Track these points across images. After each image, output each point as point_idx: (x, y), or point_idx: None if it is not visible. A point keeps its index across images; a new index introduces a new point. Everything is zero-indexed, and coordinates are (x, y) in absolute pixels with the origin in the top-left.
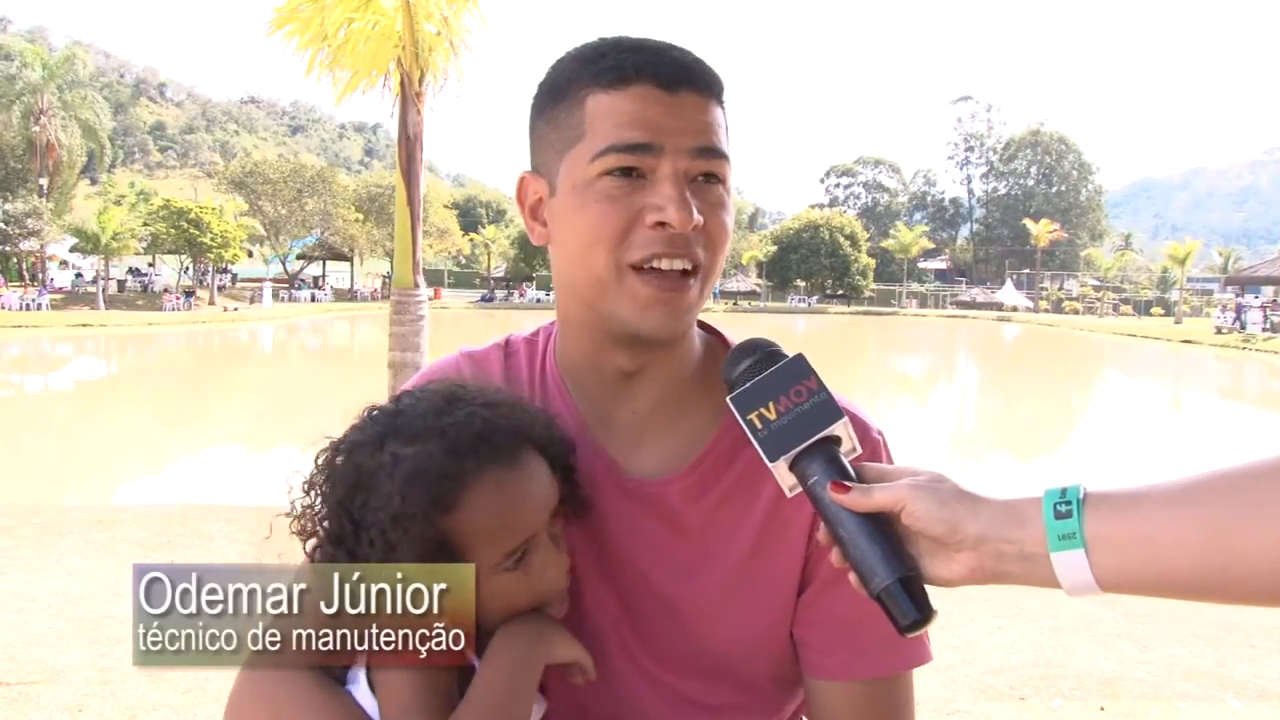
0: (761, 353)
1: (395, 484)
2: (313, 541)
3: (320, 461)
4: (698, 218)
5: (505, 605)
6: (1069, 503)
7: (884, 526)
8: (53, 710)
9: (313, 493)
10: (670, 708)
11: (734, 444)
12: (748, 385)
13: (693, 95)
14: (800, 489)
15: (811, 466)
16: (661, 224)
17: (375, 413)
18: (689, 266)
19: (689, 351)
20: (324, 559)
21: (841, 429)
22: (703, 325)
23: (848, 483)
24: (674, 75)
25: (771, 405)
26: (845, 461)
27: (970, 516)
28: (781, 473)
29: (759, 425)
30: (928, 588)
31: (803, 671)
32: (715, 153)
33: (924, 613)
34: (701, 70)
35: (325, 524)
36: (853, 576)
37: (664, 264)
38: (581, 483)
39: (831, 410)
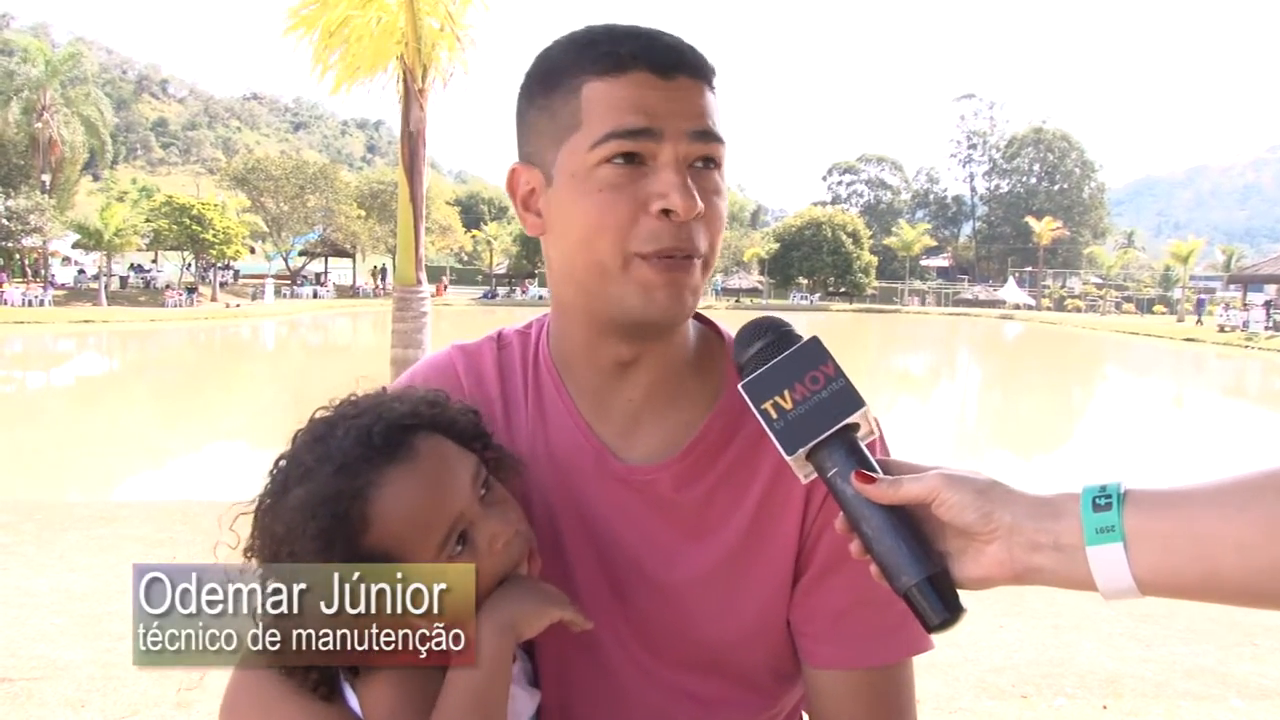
0: (775, 334)
1: (304, 525)
2: None
3: (252, 524)
4: (700, 205)
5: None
6: (1109, 497)
7: (909, 521)
8: (55, 706)
9: (249, 556)
10: (665, 700)
11: (726, 431)
12: (760, 371)
13: (687, 80)
14: (816, 475)
15: (832, 457)
16: (666, 212)
17: (279, 462)
18: (692, 254)
19: (684, 341)
20: None
21: (860, 416)
22: (697, 316)
23: (873, 474)
24: (669, 61)
25: (787, 394)
26: (865, 450)
27: (1005, 505)
28: (799, 465)
29: (774, 415)
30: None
31: (802, 661)
32: (712, 136)
33: (953, 611)
34: (694, 55)
35: None
36: (874, 569)
37: (669, 253)
38: (502, 444)
39: (851, 398)
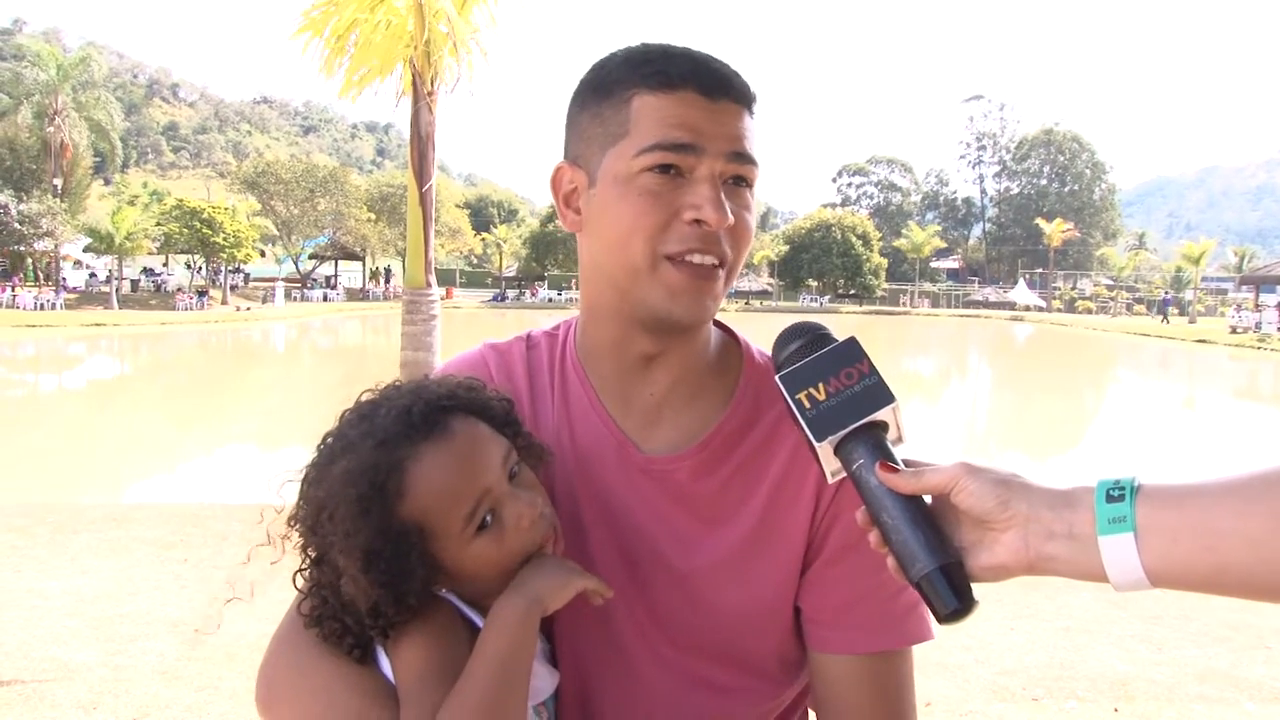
0: (812, 335)
1: (344, 492)
2: (300, 566)
3: (298, 493)
4: (730, 218)
5: (498, 566)
6: (1122, 489)
7: (928, 514)
8: (66, 708)
9: (294, 524)
10: (680, 686)
11: (741, 426)
12: (798, 365)
13: (730, 104)
14: (843, 474)
15: (857, 450)
16: (698, 221)
17: (326, 438)
18: (718, 261)
19: (705, 341)
20: (309, 579)
21: (890, 414)
22: (716, 323)
23: (896, 465)
24: (716, 84)
25: (821, 386)
26: (891, 447)
27: (1023, 494)
28: (826, 455)
29: (807, 405)
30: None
31: (808, 647)
32: (748, 158)
33: (964, 603)
34: (739, 82)
35: (310, 551)
36: (891, 562)
37: (696, 258)
38: (530, 431)
39: (882, 394)
